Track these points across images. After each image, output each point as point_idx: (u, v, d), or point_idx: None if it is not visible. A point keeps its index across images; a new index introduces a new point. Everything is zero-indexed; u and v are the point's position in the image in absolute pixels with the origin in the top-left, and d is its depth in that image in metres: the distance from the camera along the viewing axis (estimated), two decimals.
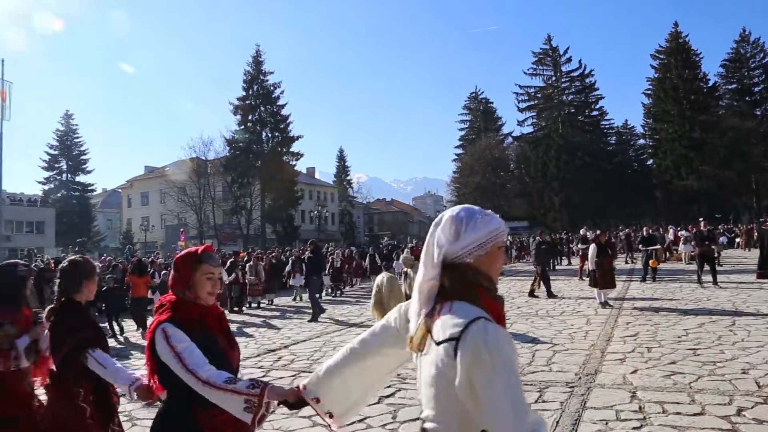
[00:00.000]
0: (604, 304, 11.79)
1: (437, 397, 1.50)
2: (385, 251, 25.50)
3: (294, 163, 56.40)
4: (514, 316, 11.20)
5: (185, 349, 2.09)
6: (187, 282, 2.25)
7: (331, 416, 1.91)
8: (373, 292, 10.73)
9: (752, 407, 4.89)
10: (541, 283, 14.18)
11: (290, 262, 18.21)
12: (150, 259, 19.30)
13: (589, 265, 12.22)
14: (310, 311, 12.68)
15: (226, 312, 14.91)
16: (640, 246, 17.32)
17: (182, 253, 2.37)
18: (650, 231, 19.46)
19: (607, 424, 4.72)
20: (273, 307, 16.30)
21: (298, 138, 55.59)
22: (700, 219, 16.14)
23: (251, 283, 16.08)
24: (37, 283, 11.95)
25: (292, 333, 10.91)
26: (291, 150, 55.62)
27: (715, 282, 14.06)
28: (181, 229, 41.90)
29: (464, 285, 1.55)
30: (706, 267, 14.41)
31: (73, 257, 3.20)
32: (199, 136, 77.82)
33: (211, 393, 1.98)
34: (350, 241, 60.01)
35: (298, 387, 1.96)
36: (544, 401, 5.50)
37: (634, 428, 4.58)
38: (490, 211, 1.67)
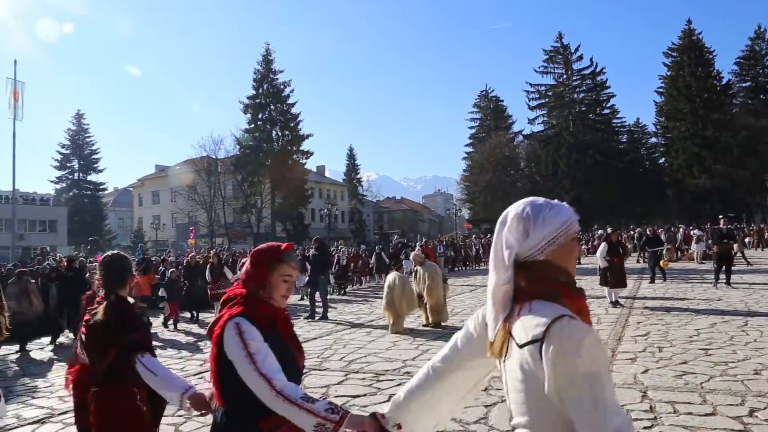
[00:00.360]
0: (615, 304, 11.75)
1: (528, 402, 1.42)
2: (392, 249, 25.44)
3: (304, 161, 56.68)
4: None
5: (259, 350, 1.90)
6: (261, 281, 2.09)
7: None
8: (384, 292, 10.78)
9: (764, 408, 4.87)
10: None
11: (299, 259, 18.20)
12: (162, 258, 19.42)
13: (599, 264, 12.19)
14: (319, 310, 12.69)
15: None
16: (646, 247, 17.12)
17: (261, 248, 2.19)
18: (656, 231, 19.17)
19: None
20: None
21: (308, 136, 55.82)
22: (720, 216, 15.84)
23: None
24: (43, 283, 12.09)
25: (302, 331, 10.96)
26: (301, 148, 55.85)
27: (728, 282, 13.89)
28: (191, 227, 42.08)
29: (542, 283, 1.47)
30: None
31: (114, 251, 3.08)
32: (209, 134, 78.04)
33: (282, 406, 1.82)
34: (360, 239, 60.11)
35: (374, 415, 1.81)
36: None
37: (645, 428, 4.57)
38: (556, 201, 1.59)
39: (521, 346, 1.41)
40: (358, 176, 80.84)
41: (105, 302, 2.79)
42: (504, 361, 1.50)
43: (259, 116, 54.53)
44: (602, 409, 1.29)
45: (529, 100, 63.60)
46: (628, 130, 64.85)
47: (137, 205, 67.53)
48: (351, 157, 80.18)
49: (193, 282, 13.80)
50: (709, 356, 6.95)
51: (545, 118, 63.95)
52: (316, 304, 12.90)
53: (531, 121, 64.89)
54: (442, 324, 10.40)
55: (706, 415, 4.81)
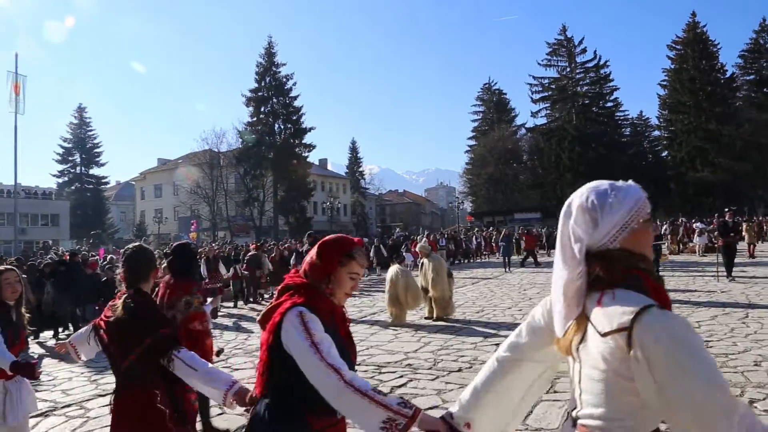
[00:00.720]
0: None
1: (608, 393, 1.35)
2: (390, 242, 25.32)
3: (306, 154, 56.68)
4: (526, 308, 11.23)
5: (323, 340, 1.79)
6: (328, 274, 1.97)
7: None
8: (387, 287, 10.75)
9: (764, 399, 4.91)
10: None
11: (293, 255, 17.87)
12: (165, 251, 19.38)
13: None
14: None
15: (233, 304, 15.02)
16: None
17: (330, 239, 2.05)
18: (657, 225, 19.01)
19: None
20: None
21: (310, 129, 55.79)
22: (726, 210, 15.79)
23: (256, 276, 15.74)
24: (38, 278, 12.09)
25: None
26: (303, 141, 55.84)
27: (729, 275, 13.88)
28: (192, 221, 42.16)
29: (620, 272, 1.39)
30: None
31: (136, 243, 2.94)
32: (211, 128, 78.08)
33: (351, 398, 1.69)
34: (363, 232, 60.17)
35: (443, 418, 1.72)
36: (555, 391, 5.54)
37: None
38: (621, 182, 1.51)
39: (604, 335, 1.34)
40: (361, 169, 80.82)
41: (125, 298, 2.64)
42: (578, 350, 1.43)
43: (262, 109, 54.50)
44: (724, 393, 1.22)
45: (532, 93, 63.42)
46: (632, 123, 64.71)
47: (139, 199, 67.62)
48: (353, 150, 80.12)
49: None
50: (710, 348, 6.97)
51: (548, 111, 63.81)
52: None
53: (534, 114, 64.82)
54: (445, 317, 10.36)
55: None
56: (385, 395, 1.71)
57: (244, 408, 2.26)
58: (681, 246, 24.95)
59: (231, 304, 14.85)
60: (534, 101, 63.72)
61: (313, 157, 61.51)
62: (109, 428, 5.09)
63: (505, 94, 71.01)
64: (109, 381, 6.85)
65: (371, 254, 22.57)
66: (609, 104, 62.86)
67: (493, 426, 1.71)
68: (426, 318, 10.54)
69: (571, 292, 1.43)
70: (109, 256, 17.73)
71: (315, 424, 1.85)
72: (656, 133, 64.32)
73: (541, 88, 63.26)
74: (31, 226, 50.65)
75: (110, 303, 2.69)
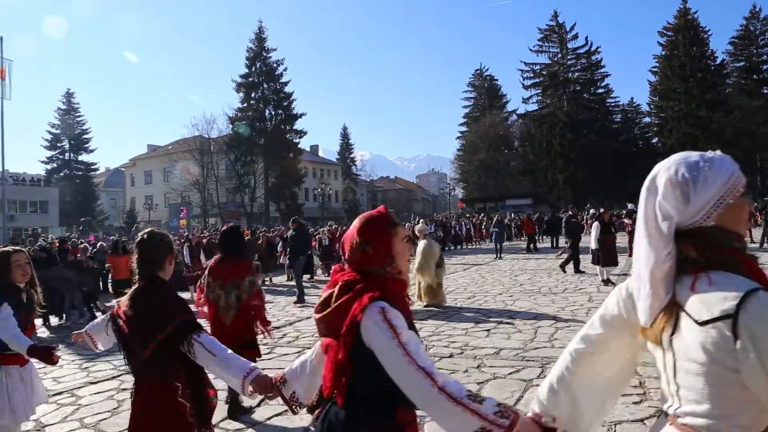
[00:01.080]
0: (607, 282, 11.86)
1: (711, 387, 1.24)
2: None
3: (297, 140, 56.41)
4: (517, 293, 11.31)
5: (410, 339, 1.68)
6: (389, 254, 1.84)
7: None
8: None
9: None
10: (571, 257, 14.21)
11: (281, 241, 17.69)
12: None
13: (591, 244, 12.27)
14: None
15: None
16: (632, 225, 16.86)
17: (367, 221, 1.90)
18: None
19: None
20: (271, 286, 16.33)
21: (301, 115, 55.52)
22: None
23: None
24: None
25: (296, 310, 11.02)
26: (294, 128, 55.56)
27: None
28: (182, 208, 41.98)
29: (715, 252, 1.29)
30: None
31: (151, 229, 2.74)
32: (202, 114, 77.60)
33: (443, 405, 1.57)
34: (354, 218, 60.12)
35: (535, 420, 1.63)
36: (546, 377, 5.59)
37: (634, 403, 4.66)
38: (710, 153, 1.39)
39: (703, 324, 1.22)
40: (352, 156, 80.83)
41: (140, 286, 2.54)
42: (670, 341, 1.32)
43: (252, 95, 54.09)
44: None
45: (524, 80, 63.46)
46: (622, 109, 64.89)
47: (129, 186, 67.20)
48: (345, 136, 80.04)
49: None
50: None
51: (539, 98, 63.84)
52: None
53: (525, 101, 64.84)
54: (436, 306, 10.29)
55: None
56: (482, 401, 1.58)
57: (264, 396, 2.21)
58: None
59: None
60: (525, 87, 63.84)
61: (304, 144, 61.33)
62: (103, 416, 5.12)
63: (497, 80, 71.11)
64: (100, 369, 6.84)
65: None
66: (600, 91, 62.97)
67: (578, 419, 1.60)
68: (417, 302, 10.43)
69: (658, 276, 1.32)
70: (99, 243, 17.63)
71: (402, 418, 1.76)
72: (647, 119, 64.69)
73: (532, 75, 63.28)
74: (19, 213, 50.21)
75: (126, 293, 2.60)
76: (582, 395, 1.58)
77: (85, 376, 6.67)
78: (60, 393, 5.99)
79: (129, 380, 6.32)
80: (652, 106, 62.52)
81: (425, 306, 10.30)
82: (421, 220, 17.41)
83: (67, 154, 60.29)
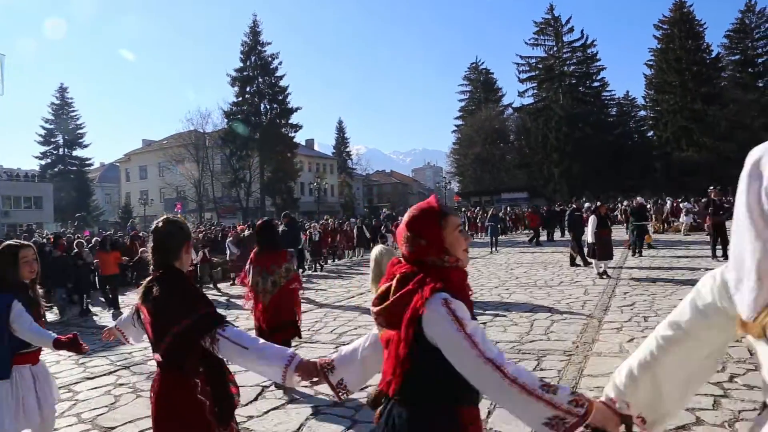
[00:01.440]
0: (602, 275, 11.91)
1: None
2: (373, 222, 25.09)
3: (293, 135, 56.24)
4: (513, 286, 11.35)
5: (476, 330, 1.63)
6: (442, 244, 1.78)
7: (643, 421, 1.58)
8: (371, 266, 10.72)
9: (744, 374, 5.01)
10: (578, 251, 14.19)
11: None
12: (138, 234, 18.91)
13: (588, 237, 12.30)
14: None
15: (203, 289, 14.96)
16: (632, 219, 16.62)
17: (415, 214, 1.85)
18: (641, 203, 18.55)
19: (603, 391, 4.83)
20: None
21: (296, 109, 55.31)
22: (712, 188, 15.50)
23: (232, 258, 15.27)
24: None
25: None
26: (290, 122, 55.36)
27: (725, 255, 13.18)
28: (177, 203, 41.84)
29: None
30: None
31: (167, 216, 2.59)
32: (197, 109, 77.42)
33: (515, 397, 1.55)
34: (350, 212, 60.16)
35: (606, 404, 1.60)
36: (541, 369, 5.63)
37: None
38: None
39: None
40: (348, 150, 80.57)
41: (155, 277, 2.40)
42: None
43: (247, 89, 53.89)
44: None
45: (519, 73, 63.27)
46: (618, 103, 64.87)
47: (124, 181, 66.89)
48: (340, 130, 79.84)
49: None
50: None
51: (535, 91, 63.70)
52: None
53: (521, 94, 64.72)
54: None
55: None
56: (555, 391, 1.55)
57: (310, 381, 2.11)
58: (665, 225, 25.23)
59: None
60: (521, 81, 63.67)
61: (300, 138, 61.23)
62: (100, 411, 5.13)
63: (492, 73, 70.95)
64: (96, 364, 6.84)
65: (354, 235, 22.48)
66: (596, 84, 62.93)
67: (657, 408, 1.56)
68: None
69: (766, 267, 1.21)
70: (94, 239, 17.59)
71: (466, 416, 1.71)
72: (642, 113, 64.62)
73: (528, 68, 63.17)
74: (14, 209, 50.04)
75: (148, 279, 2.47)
76: (665, 382, 1.54)
77: (82, 371, 6.67)
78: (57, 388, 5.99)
79: (126, 375, 6.35)
80: (647, 100, 62.60)
81: None
82: None
83: (61, 150, 60.00)
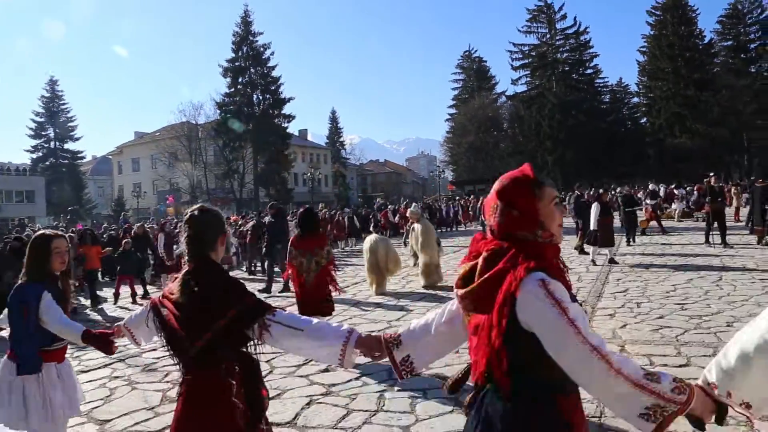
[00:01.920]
0: (612, 261, 11.89)
1: None
2: (363, 212, 24.93)
3: (286, 125, 56.06)
4: None
5: (578, 315, 1.49)
6: (536, 217, 1.63)
7: (748, 407, 1.51)
8: (366, 257, 10.80)
9: None
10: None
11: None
12: (150, 227, 18.64)
13: (591, 224, 12.21)
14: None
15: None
16: (623, 207, 16.63)
17: (507, 182, 1.70)
18: (632, 191, 18.31)
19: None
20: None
21: (289, 100, 55.08)
22: (711, 174, 15.50)
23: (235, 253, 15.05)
24: (8, 257, 11.76)
25: (282, 298, 11.02)
26: (283, 112, 55.18)
27: (723, 242, 13.29)
28: (168, 195, 41.65)
29: None
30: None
31: (200, 204, 2.44)
32: (189, 100, 77.14)
33: (620, 389, 1.45)
34: (344, 202, 60.15)
35: (704, 390, 1.54)
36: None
37: None
38: None
39: None
40: (341, 139, 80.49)
41: (191, 269, 2.22)
42: None
43: (239, 80, 53.59)
44: None
45: (513, 61, 63.01)
46: (611, 90, 64.79)
47: (117, 174, 66.58)
48: (333, 120, 79.60)
49: (142, 253, 13.15)
50: (685, 310, 7.16)
51: (528, 79, 63.51)
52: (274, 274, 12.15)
53: (514, 82, 64.42)
54: (438, 284, 10.48)
55: (680, 366, 5.00)
56: (659, 379, 1.46)
57: (373, 356, 2.02)
58: (659, 212, 25.25)
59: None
60: (514, 68, 63.43)
61: (293, 128, 61.01)
62: (95, 404, 5.14)
63: (486, 61, 70.69)
64: (91, 357, 6.83)
65: (345, 225, 22.32)
66: (589, 71, 62.81)
67: (763, 392, 1.48)
68: (424, 287, 10.55)
69: None
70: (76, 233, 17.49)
71: (564, 405, 1.60)
72: (635, 99, 64.61)
73: (521, 56, 62.96)
74: (5, 203, 49.76)
75: (171, 278, 2.33)
76: None
77: (77, 364, 6.66)
78: None
79: (121, 368, 6.35)
80: (640, 86, 62.56)
81: (424, 286, 10.47)
82: (414, 204, 17.40)
83: (52, 143, 59.57)
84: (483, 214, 1.66)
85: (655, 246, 14.65)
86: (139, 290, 12.26)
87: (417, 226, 10.87)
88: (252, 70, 53.95)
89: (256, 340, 2.11)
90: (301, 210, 7.53)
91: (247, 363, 2.18)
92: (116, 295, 11.92)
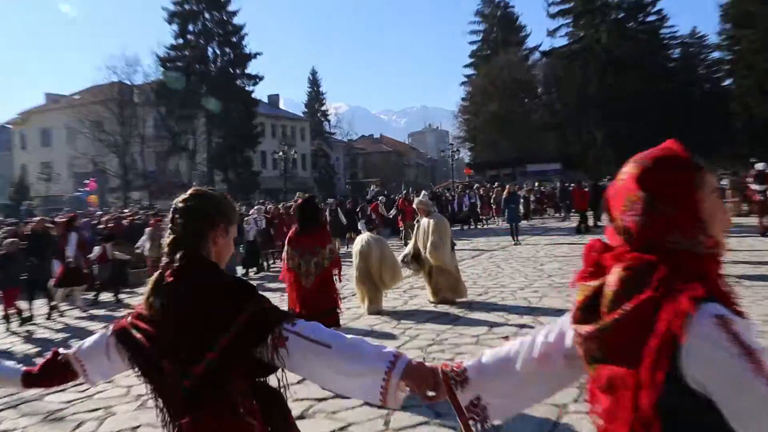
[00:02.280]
0: None
1: None
2: (348, 205, 24.76)
3: (251, 88, 56.06)
4: (544, 288, 11.34)
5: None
6: (699, 216, 1.46)
7: None
8: (355, 262, 10.56)
9: None
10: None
11: None
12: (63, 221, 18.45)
13: None
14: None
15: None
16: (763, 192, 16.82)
17: (647, 164, 1.54)
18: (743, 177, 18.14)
19: None
20: None
21: (255, 56, 55.45)
22: None
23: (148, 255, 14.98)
24: None
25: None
26: (246, 71, 55.31)
27: None
28: (88, 179, 41.35)
29: None
30: None
31: (197, 188, 2.41)
32: (121, 52, 76.46)
33: None
34: (328, 191, 60.01)
35: None
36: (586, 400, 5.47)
37: None
38: None
39: None
40: (324, 108, 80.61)
41: (177, 273, 2.08)
42: None
43: (190, 28, 53.72)
44: None
45: (549, 6, 63.02)
46: (682, 42, 64.82)
47: (19, 149, 65.93)
48: (314, 83, 79.69)
49: (39, 258, 12.69)
50: None
51: (570, 29, 63.53)
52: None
53: (551, 33, 64.42)
54: (458, 300, 10.31)
55: None
56: None
57: (428, 396, 1.86)
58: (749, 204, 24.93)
59: (90, 295, 13.95)
60: (551, 16, 63.38)
61: (261, 93, 60.93)
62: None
63: (513, 6, 70.92)
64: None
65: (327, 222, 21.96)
66: (651, 18, 62.78)
67: None
68: (431, 302, 10.48)
69: None
70: None
71: None
72: (715, 54, 64.47)
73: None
74: None
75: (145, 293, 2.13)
76: None
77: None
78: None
79: (12, 416, 6.17)
80: (723, 37, 62.32)
81: (437, 301, 10.37)
82: (423, 192, 17.21)
83: None
84: (609, 210, 1.46)
85: (744, 252, 14.43)
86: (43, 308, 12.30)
87: (426, 221, 10.54)
88: (206, 15, 54.03)
89: (268, 360, 1.95)
90: (301, 200, 7.91)
91: (268, 395, 2.09)
92: (6, 317, 11.57)
